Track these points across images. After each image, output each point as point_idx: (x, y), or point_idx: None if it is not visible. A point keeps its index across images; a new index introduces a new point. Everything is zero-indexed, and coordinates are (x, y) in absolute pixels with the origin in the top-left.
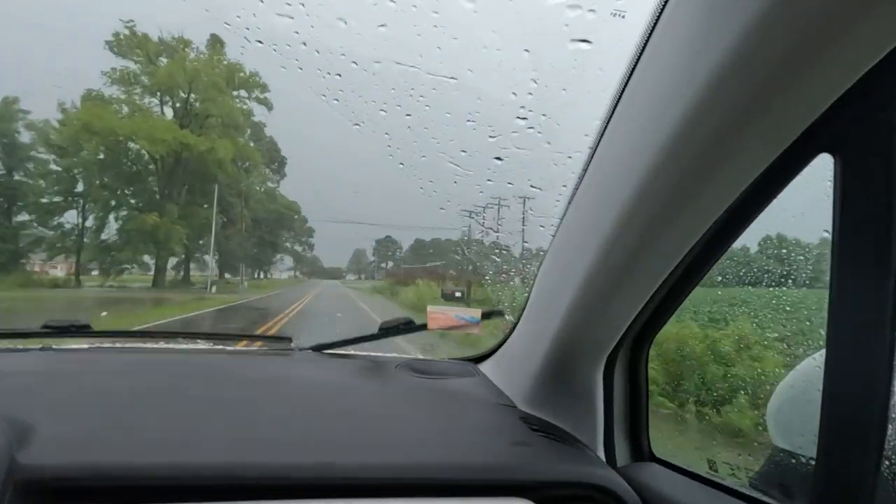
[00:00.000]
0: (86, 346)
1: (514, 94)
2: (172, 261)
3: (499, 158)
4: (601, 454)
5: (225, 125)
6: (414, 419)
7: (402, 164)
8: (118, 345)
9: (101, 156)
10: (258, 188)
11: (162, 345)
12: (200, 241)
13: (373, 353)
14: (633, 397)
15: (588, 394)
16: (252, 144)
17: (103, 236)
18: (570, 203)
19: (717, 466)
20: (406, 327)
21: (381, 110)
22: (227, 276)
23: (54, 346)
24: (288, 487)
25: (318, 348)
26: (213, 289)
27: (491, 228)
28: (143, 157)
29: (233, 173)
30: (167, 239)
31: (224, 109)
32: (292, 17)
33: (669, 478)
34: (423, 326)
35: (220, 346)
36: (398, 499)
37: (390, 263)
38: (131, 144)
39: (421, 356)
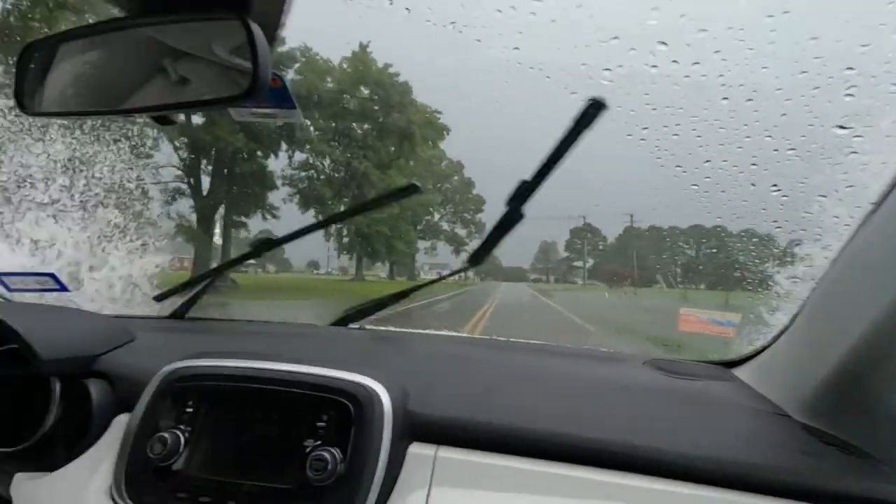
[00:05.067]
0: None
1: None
2: None
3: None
4: None
5: None
6: (677, 415)
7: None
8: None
9: None
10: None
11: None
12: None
13: (613, 350)
14: None
15: (891, 412)
16: None
17: None
18: (887, 195)
19: None
20: None
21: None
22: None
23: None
24: (597, 457)
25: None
26: None
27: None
28: None
29: None
30: None
31: None
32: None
33: None
34: None
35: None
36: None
37: (591, 261)
38: None
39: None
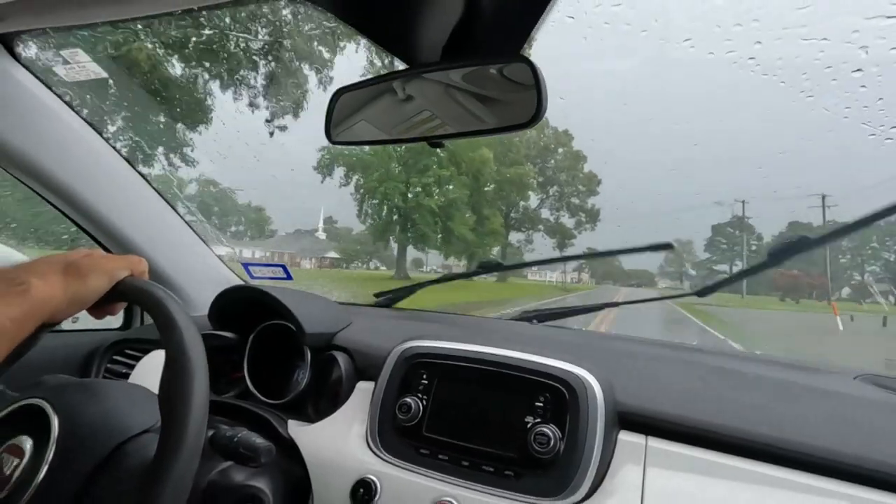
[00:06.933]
0: None
1: None
2: None
3: None
4: None
5: None
6: None
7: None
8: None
9: None
10: None
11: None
12: None
13: (819, 362)
14: None
15: None
16: None
17: None
18: None
19: None
20: None
21: None
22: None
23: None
24: (813, 464)
25: None
26: None
27: None
28: None
29: None
30: None
31: None
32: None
33: None
34: None
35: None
36: None
37: (738, 264)
38: None
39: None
